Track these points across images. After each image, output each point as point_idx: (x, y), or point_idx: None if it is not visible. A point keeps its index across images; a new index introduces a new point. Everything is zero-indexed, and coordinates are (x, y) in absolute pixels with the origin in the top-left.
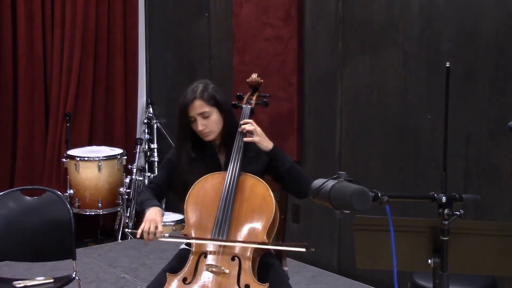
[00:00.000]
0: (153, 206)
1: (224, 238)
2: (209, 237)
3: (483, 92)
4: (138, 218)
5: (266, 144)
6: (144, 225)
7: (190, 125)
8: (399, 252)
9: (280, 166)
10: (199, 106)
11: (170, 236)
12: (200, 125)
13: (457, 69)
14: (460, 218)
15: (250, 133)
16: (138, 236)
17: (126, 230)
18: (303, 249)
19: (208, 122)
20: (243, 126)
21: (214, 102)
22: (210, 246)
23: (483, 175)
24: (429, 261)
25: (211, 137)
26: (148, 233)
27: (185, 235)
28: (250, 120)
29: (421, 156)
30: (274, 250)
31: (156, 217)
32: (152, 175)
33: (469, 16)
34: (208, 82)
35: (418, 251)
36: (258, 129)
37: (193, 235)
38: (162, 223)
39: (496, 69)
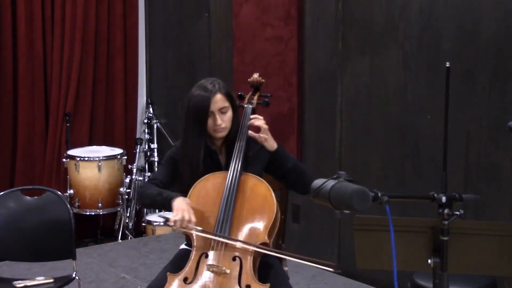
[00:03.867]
0: (180, 196)
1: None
2: (211, 238)
3: (483, 92)
4: (138, 218)
5: (272, 143)
6: (177, 214)
7: (207, 120)
8: (399, 252)
9: (285, 164)
10: (220, 101)
11: (202, 231)
12: (219, 120)
13: (457, 69)
14: (460, 218)
15: (257, 129)
16: (172, 223)
17: (158, 214)
18: (331, 270)
19: (225, 118)
20: (252, 121)
21: (230, 98)
22: (211, 246)
23: (483, 175)
24: (429, 261)
25: (223, 133)
26: (182, 223)
27: (186, 235)
28: (261, 117)
29: (421, 156)
30: (274, 249)
31: (188, 208)
32: (151, 173)
33: (469, 16)
34: (218, 79)
35: (418, 251)
36: (266, 127)
37: (193, 235)
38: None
39: (496, 69)
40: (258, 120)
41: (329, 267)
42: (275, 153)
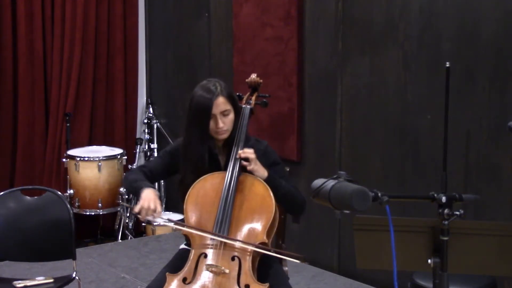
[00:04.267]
0: (149, 187)
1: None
2: (209, 237)
3: (483, 92)
4: (138, 218)
5: (262, 172)
6: (143, 203)
7: (210, 122)
8: (399, 252)
9: (275, 192)
10: (222, 104)
11: (168, 220)
12: (221, 122)
13: (457, 69)
14: (460, 218)
15: (246, 159)
16: (136, 210)
17: (120, 202)
18: (298, 261)
19: (227, 120)
20: (239, 152)
21: (232, 101)
22: (210, 246)
23: (483, 175)
24: (429, 261)
25: (225, 135)
26: (147, 211)
27: (185, 235)
28: (251, 150)
29: (421, 156)
30: (274, 250)
31: (155, 198)
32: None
33: (469, 16)
34: (220, 81)
35: (418, 251)
36: (254, 158)
37: (193, 235)
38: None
39: (496, 69)
40: (244, 154)
41: (296, 258)
42: (266, 182)
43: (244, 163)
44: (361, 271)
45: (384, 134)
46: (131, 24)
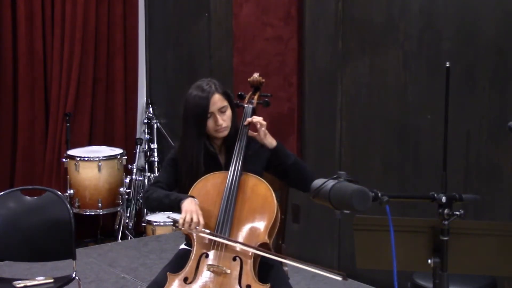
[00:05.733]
0: (188, 197)
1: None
2: (211, 238)
3: (483, 92)
4: (138, 218)
5: (270, 140)
6: (186, 215)
7: (207, 122)
8: (399, 252)
9: (285, 161)
10: (219, 101)
11: (211, 234)
12: (220, 120)
13: (457, 69)
14: (460, 218)
15: (254, 128)
16: (180, 226)
17: (167, 216)
18: (340, 278)
19: (225, 117)
20: (250, 119)
21: (227, 97)
22: (211, 246)
23: (483, 175)
24: (429, 261)
25: (225, 133)
26: (190, 225)
27: (186, 235)
28: (261, 118)
29: (421, 156)
30: (274, 249)
31: (197, 209)
32: (153, 175)
33: (469, 16)
34: (214, 79)
35: (418, 251)
36: (265, 124)
37: (194, 235)
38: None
39: (496, 69)
40: (256, 118)
41: (337, 275)
42: (275, 150)
43: (254, 133)
44: (361, 271)
45: (384, 134)
46: (131, 24)
